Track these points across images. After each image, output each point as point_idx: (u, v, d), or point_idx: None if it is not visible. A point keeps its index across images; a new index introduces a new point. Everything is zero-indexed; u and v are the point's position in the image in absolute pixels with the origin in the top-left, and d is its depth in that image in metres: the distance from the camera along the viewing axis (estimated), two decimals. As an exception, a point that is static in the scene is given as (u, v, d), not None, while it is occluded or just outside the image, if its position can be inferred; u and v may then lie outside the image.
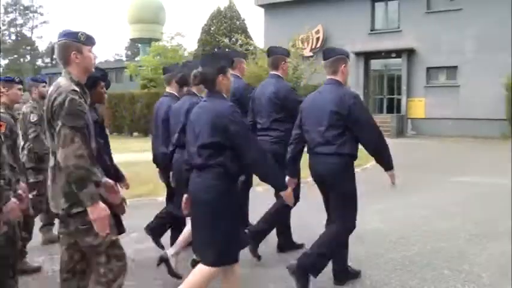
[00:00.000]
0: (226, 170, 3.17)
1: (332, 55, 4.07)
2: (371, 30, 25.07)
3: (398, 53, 23.88)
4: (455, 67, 22.44)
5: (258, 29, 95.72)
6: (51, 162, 2.92)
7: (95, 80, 3.65)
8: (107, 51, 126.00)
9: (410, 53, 23.60)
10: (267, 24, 28.02)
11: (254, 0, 28.42)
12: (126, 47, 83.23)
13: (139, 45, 57.71)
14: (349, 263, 4.33)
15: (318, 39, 25.80)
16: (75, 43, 2.95)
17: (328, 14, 25.31)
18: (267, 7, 28.07)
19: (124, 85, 44.64)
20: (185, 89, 4.60)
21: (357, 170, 4.49)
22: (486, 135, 19.92)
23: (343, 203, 3.94)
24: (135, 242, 5.52)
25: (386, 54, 24.23)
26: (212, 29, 26.77)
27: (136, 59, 46.94)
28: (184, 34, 36.37)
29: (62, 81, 2.91)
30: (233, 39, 21.83)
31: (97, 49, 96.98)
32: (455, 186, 8.83)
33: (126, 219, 5.76)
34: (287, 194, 3.35)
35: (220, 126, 3.15)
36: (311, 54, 24.19)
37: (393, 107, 24.44)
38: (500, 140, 18.33)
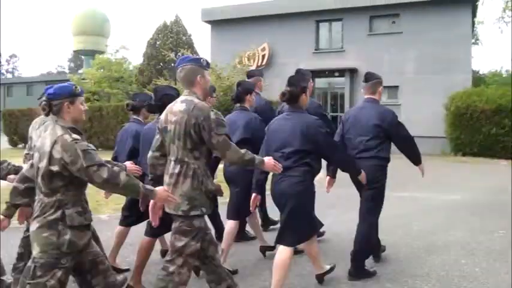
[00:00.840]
0: (311, 169, 4.08)
1: (372, 79, 5.01)
2: (315, 50, 25.63)
3: (342, 72, 24.48)
4: (397, 87, 23.22)
5: (205, 44, 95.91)
6: (176, 169, 3.40)
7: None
8: (49, 62, 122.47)
9: (352, 72, 24.22)
10: (214, 40, 28.10)
11: (201, 16, 28.56)
12: (69, 59, 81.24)
13: (83, 57, 56.51)
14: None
15: (263, 56, 26.08)
16: (200, 68, 3.48)
17: (274, 32, 25.72)
18: (214, 23, 28.19)
19: (66, 98, 43.36)
20: (237, 105, 5.21)
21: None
22: (427, 152, 20.57)
23: (374, 197, 4.77)
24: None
25: (330, 73, 24.78)
26: (158, 43, 26.48)
27: (79, 71, 45.85)
28: (129, 47, 35.88)
29: (193, 99, 3.42)
30: (179, 54, 21.66)
31: (39, 60, 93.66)
32: (396, 202, 8.95)
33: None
34: (363, 176, 4.43)
35: (310, 136, 4.00)
36: (257, 71, 24.48)
37: (337, 124, 24.86)
38: (441, 156, 19.04)
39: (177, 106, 3.43)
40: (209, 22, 28.27)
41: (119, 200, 8.87)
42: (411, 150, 5.01)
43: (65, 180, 2.95)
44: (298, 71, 5.20)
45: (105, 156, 3.70)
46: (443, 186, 11.02)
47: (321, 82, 25.70)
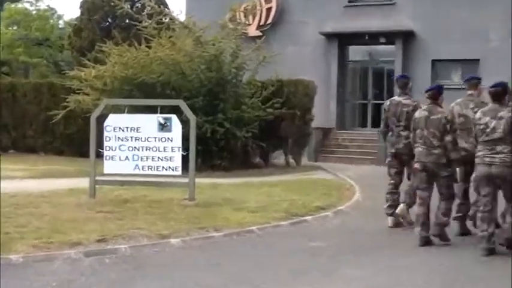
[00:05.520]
0: None
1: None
2: (349, 2, 24.82)
3: (390, 36, 23.89)
4: (477, 60, 22.76)
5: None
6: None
7: None
8: None
9: (407, 37, 23.61)
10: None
11: None
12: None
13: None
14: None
15: (268, 11, 25.54)
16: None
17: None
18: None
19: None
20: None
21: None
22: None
23: None
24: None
25: (372, 38, 24.09)
26: (105, -13, 26.01)
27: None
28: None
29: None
30: (138, 4, 21.30)
31: None
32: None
33: None
34: None
35: None
36: (259, 33, 24.05)
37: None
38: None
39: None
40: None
41: (40, 233, 8.78)
42: None
43: None
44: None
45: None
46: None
47: (357, 52, 25.29)
